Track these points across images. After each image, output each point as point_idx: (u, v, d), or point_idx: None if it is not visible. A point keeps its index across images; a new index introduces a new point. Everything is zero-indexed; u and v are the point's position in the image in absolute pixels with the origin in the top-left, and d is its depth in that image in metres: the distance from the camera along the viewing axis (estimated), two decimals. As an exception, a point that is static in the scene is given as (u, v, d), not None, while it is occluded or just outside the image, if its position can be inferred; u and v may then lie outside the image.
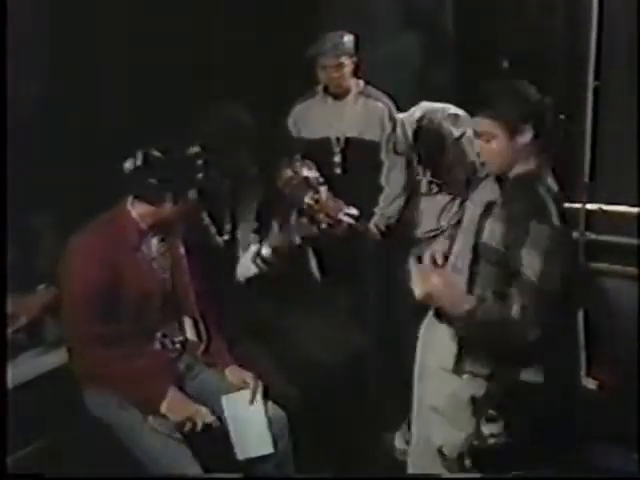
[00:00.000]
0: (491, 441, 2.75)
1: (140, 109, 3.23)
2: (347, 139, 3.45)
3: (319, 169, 3.38)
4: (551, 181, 2.28)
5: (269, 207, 3.20)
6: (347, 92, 3.47)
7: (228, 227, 3.00)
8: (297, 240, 3.30)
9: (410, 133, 3.16)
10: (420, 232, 3.39)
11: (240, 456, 2.50)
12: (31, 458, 2.56)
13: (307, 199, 3.27)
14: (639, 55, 3.12)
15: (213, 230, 2.96)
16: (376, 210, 3.45)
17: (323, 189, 3.36)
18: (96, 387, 2.48)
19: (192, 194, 2.47)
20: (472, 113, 2.32)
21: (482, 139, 2.26)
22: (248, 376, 2.57)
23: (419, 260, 2.33)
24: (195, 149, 2.48)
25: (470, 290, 2.29)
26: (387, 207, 3.43)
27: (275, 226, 3.14)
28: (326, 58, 3.35)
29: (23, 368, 2.66)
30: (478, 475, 2.46)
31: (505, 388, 2.40)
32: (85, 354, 2.46)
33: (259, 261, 2.96)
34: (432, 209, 3.26)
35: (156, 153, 2.41)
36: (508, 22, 3.55)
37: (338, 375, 3.00)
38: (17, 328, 2.72)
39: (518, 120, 2.20)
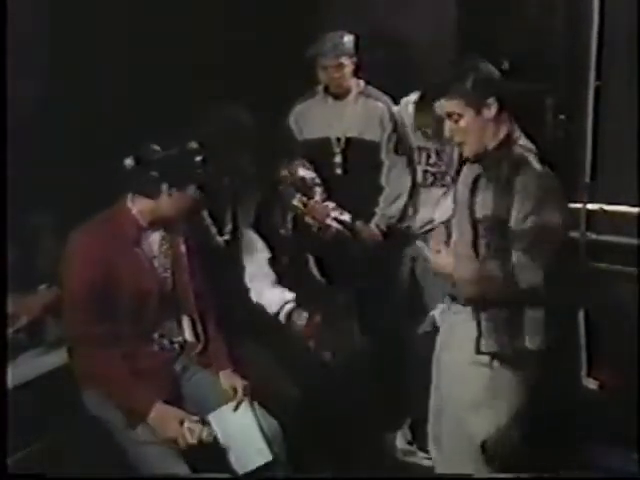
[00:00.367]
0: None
1: (140, 109, 3.22)
2: (347, 139, 3.45)
3: (318, 170, 3.38)
4: (524, 141, 2.38)
5: (269, 207, 3.20)
6: (347, 92, 3.46)
7: (229, 227, 3.00)
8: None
9: (411, 110, 3.31)
10: (416, 226, 3.42)
11: (240, 471, 2.44)
12: (31, 458, 2.55)
13: (295, 201, 3.27)
14: (639, 55, 3.12)
15: (214, 230, 2.96)
16: (377, 210, 3.45)
17: (319, 190, 3.36)
18: (94, 387, 2.47)
19: (191, 190, 2.47)
20: (438, 96, 2.38)
21: (451, 120, 2.34)
22: (238, 384, 2.54)
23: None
24: (193, 144, 2.48)
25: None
26: (388, 207, 3.44)
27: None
28: (326, 58, 3.34)
29: (23, 368, 2.65)
30: (480, 475, 2.46)
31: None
32: (83, 354, 2.46)
33: (285, 317, 2.94)
34: (428, 203, 3.30)
35: (155, 147, 2.42)
36: (508, 22, 3.54)
37: (338, 375, 3.00)
38: (18, 328, 2.72)
39: (479, 94, 2.31)
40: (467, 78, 2.32)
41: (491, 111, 2.32)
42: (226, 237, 2.98)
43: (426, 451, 2.87)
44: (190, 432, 2.36)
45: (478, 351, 2.37)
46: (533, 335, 2.36)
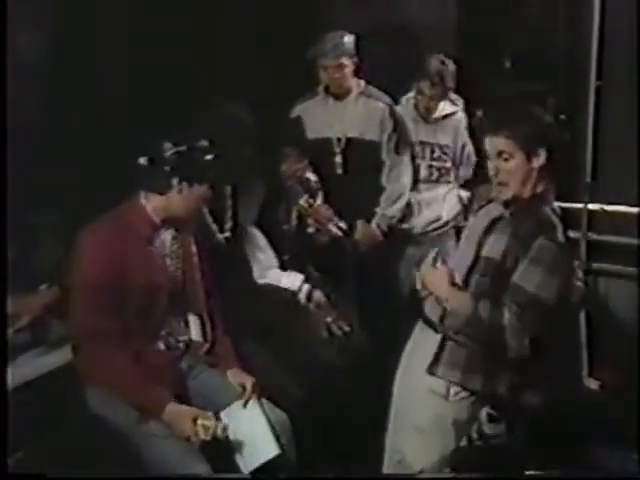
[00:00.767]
0: (493, 441, 2.75)
1: (140, 109, 3.23)
2: (348, 139, 3.45)
3: (318, 170, 3.39)
4: (555, 205, 2.35)
5: (274, 202, 3.21)
6: (348, 92, 3.46)
7: (229, 225, 3.00)
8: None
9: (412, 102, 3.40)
10: (420, 226, 3.42)
11: (249, 466, 2.43)
12: (32, 458, 2.55)
13: (302, 201, 3.28)
14: (639, 55, 3.12)
15: (214, 227, 2.96)
16: (377, 210, 3.45)
17: (320, 194, 3.37)
18: (101, 385, 2.46)
19: (202, 189, 2.47)
20: (490, 133, 2.34)
21: (500, 158, 2.30)
22: (247, 380, 2.55)
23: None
24: (204, 142, 2.48)
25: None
26: (389, 207, 3.44)
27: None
28: (327, 59, 3.34)
29: (24, 368, 2.65)
30: (478, 475, 2.46)
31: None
32: (91, 352, 2.45)
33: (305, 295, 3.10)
34: (432, 202, 3.31)
35: (167, 144, 2.42)
36: (508, 22, 3.55)
37: (339, 375, 3.00)
38: (19, 328, 2.71)
39: (534, 141, 2.27)
40: (524, 121, 2.29)
41: (539, 160, 2.28)
42: (226, 234, 2.98)
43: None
44: (204, 429, 2.36)
45: (430, 368, 2.34)
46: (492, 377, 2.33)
